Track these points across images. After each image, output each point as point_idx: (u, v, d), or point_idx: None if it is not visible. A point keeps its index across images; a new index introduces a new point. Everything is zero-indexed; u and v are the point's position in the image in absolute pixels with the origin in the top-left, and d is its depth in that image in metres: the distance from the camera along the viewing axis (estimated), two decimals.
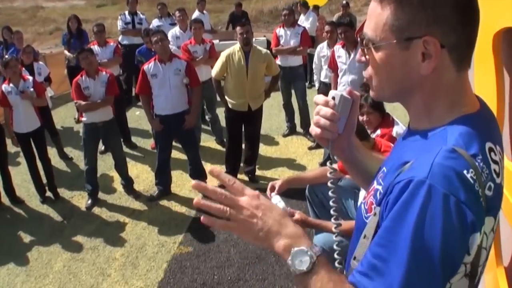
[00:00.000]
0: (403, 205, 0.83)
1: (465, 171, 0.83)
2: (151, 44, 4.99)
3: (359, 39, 0.99)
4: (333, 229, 1.07)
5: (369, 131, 3.40)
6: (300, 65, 6.55)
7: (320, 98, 1.06)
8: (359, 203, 3.07)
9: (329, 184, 1.09)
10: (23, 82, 5.06)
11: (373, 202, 0.99)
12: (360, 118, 3.46)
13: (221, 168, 5.43)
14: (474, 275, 0.89)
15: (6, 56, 5.68)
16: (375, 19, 0.94)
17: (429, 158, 0.85)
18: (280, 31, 6.53)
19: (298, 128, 6.76)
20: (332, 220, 1.09)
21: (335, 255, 1.06)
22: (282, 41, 6.48)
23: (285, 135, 6.69)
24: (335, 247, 1.07)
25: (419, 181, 0.82)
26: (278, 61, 6.12)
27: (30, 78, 5.28)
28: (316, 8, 9.80)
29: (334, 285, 0.86)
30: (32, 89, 5.05)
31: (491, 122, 1.00)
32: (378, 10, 0.93)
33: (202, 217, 0.95)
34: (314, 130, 1.07)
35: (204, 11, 9.25)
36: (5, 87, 5.00)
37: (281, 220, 0.93)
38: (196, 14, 9.05)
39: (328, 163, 1.10)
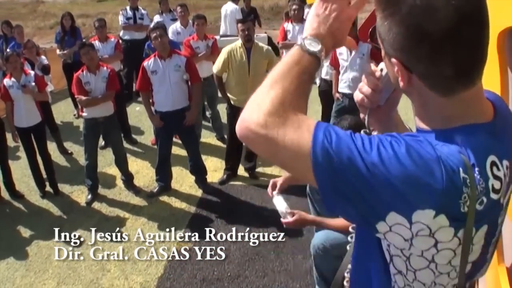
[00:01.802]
0: None
1: (461, 170, 0.83)
2: None
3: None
4: (350, 229, 1.08)
5: (370, 129, 3.39)
6: None
7: (371, 67, 1.09)
8: None
9: None
10: (25, 76, 5.04)
11: None
12: (361, 115, 3.45)
13: (222, 165, 5.44)
14: (441, 272, 0.89)
15: (8, 50, 5.66)
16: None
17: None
18: (288, 26, 6.52)
19: None
20: None
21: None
22: (289, 36, 6.46)
23: None
24: (348, 248, 1.08)
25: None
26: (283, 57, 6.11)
27: (32, 72, 5.27)
28: None
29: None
30: (33, 84, 5.03)
31: (505, 134, 0.93)
32: (378, 20, 0.92)
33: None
34: (357, 95, 1.10)
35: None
36: (6, 81, 4.99)
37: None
38: (230, 6, 9.01)
39: (362, 131, 1.12)
